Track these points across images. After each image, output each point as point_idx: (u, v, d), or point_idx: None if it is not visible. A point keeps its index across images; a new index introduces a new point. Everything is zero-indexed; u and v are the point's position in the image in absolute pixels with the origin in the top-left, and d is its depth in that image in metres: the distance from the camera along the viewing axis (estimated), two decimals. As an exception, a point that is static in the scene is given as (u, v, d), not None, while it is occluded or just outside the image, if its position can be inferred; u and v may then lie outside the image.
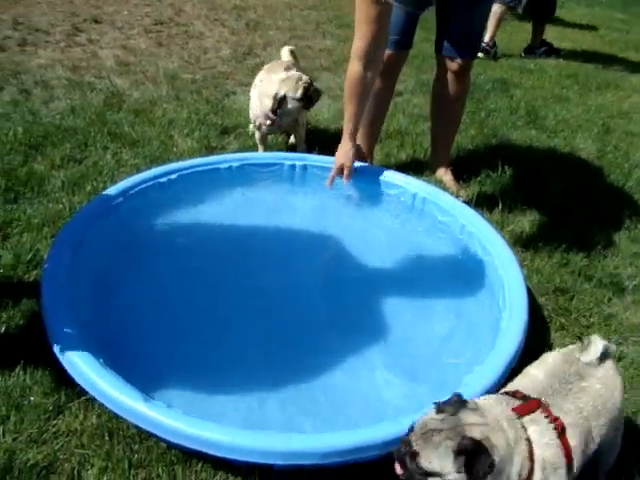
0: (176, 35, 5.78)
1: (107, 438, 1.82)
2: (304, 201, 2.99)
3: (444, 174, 3.33)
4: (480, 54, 6.51)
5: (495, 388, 1.88)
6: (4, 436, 1.81)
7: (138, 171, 3.01)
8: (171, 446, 1.79)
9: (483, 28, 3.11)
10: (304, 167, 3.00)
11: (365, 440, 1.68)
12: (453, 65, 3.11)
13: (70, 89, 4.20)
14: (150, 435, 1.81)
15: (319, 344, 2.19)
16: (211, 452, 1.66)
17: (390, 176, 2.99)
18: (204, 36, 5.84)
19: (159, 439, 1.79)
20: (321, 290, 2.49)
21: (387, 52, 2.95)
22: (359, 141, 3.24)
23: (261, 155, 3.07)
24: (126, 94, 4.20)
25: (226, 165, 2.88)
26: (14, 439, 1.81)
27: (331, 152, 3.50)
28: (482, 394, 1.82)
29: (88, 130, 3.57)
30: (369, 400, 2.01)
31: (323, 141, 3.68)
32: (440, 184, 3.22)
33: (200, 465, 1.77)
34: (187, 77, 4.67)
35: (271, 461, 1.66)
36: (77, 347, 1.84)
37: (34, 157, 3.25)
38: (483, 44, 6.59)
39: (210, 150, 3.46)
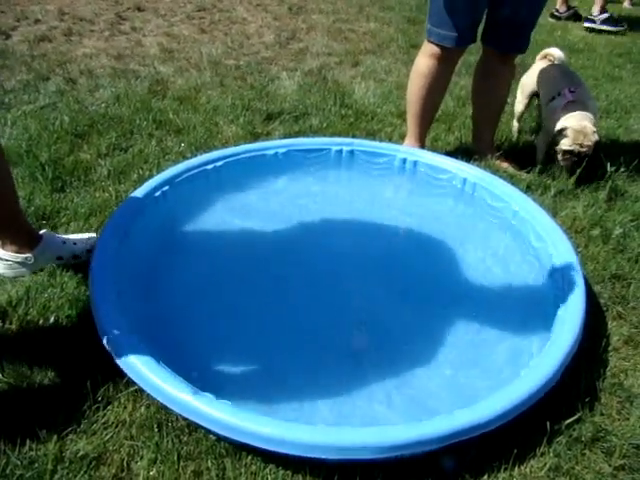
0: (219, 21, 5.75)
1: (156, 430, 1.80)
2: (351, 186, 2.93)
3: (498, 159, 3.24)
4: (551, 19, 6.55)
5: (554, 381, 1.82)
6: (55, 427, 1.80)
7: (184, 158, 3.00)
8: (220, 439, 1.77)
9: (536, 19, 3.02)
10: (351, 152, 2.95)
11: (418, 435, 1.63)
12: (500, 55, 3.07)
13: (115, 77, 4.21)
14: (199, 427, 1.79)
15: (368, 334, 2.16)
16: (259, 445, 1.64)
17: (440, 161, 2.93)
18: (247, 21, 5.80)
19: (208, 431, 1.77)
20: (369, 278, 2.42)
21: (454, 48, 2.94)
22: (412, 126, 3.18)
23: (307, 141, 3.02)
24: (170, 81, 4.19)
25: (272, 151, 2.84)
26: (64, 430, 1.79)
27: (376, 136, 3.46)
28: (540, 387, 1.77)
29: (133, 118, 3.56)
30: (420, 392, 1.95)
31: (368, 125, 3.63)
32: (495, 169, 3.12)
33: (250, 458, 1.73)
34: (231, 63, 4.64)
35: (322, 456, 1.62)
36: (125, 338, 1.83)
37: (80, 146, 3.25)
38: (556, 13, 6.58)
39: (255, 136, 3.41)
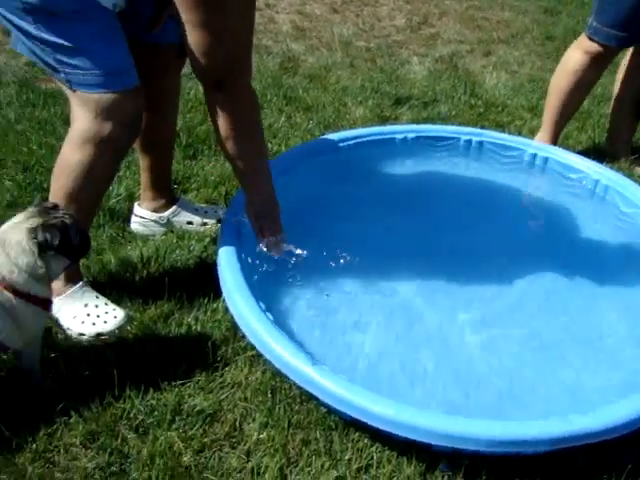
0: (351, 2, 5.76)
1: (269, 395, 1.86)
2: (478, 178, 2.87)
3: (633, 163, 3.11)
4: None
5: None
6: (175, 380, 1.90)
7: (312, 136, 3.05)
8: (331, 411, 1.80)
9: None
10: (480, 143, 2.89)
11: (528, 434, 1.60)
12: None
13: (248, 52, 4.31)
14: (311, 398, 1.83)
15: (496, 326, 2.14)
16: (369, 423, 1.66)
17: (572, 159, 2.84)
18: (379, 4, 5.78)
19: (320, 403, 1.81)
20: (490, 275, 2.38)
21: (617, 48, 2.86)
22: (549, 121, 3.10)
23: (437, 128, 2.99)
24: (301, 59, 4.26)
25: (401, 136, 2.83)
26: (183, 384, 1.89)
27: (505, 129, 3.39)
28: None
29: (264, 93, 3.64)
30: (536, 392, 1.92)
31: (497, 117, 3.56)
32: (629, 173, 2.99)
33: (357, 434, 1.77)
34: (361, 44, 4.66)
35: (431, 441, 1.63)
36: (249, 302, 1.88)
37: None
38: None
39: (383, 120, 3.43)
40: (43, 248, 1.67)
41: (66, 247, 1.71)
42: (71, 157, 1.96)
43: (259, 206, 2.10)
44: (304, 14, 5.28)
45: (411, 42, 4.80)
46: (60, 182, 2.00)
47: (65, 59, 1.82)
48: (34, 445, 1.71)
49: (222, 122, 1.92)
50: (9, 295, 1.68)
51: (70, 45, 1.80)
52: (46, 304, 1.80)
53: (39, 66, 2.00)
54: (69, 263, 1.80)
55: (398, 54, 4.51)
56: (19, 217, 1.74)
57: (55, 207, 1.79)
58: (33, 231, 1.66)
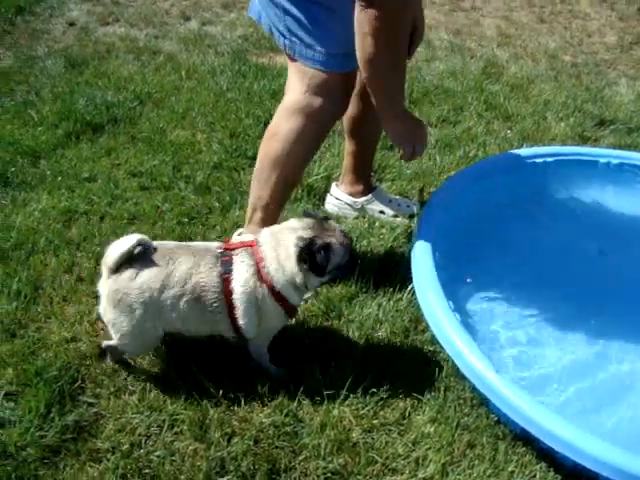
0: (559, 13, 5.59)
1: (442, 392, 1.90)
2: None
3: None
4: None
5: None
6: (353, 360, 1.98)
7: (509, 146, 3.04)
8: (501, 421, 1.83)
9: None
10: (689, 181, 2.75)
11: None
12: None
13: (451, 52, 4.33)
14: (483, 403, 1.87)
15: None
16: (544, 440, 1.66)
17: None
18: (589, 18, 5.57)
19: (491, 410, 1.84)
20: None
21: None
22: None
23: (645, 157, 2.86)
24: (505, 66, 4.20)
25: (605, 160, 2.73)
26: (361, 365, 1.97)
27: None
28: None
29: (465, 95, 3.66)
30: None
31: None
32: None
33: (524, 449, 1.78)
34: (567, 59, 4.52)
35: (602, 472, 1.61)
36: (440, 301, 1.93)
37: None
38: None
39: (583, 140, 3.34)
40: (299, 261, 1.76)
41: (317, 266, 1.76)
42: (282, 125, 2.11)
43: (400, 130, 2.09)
44: (510, 20, 5.20)
45: (620, 62, 4.59)
46: (268, 147, 2.16)
47: (296, 30, 1.96)
48: (219, 391, 1.87)
49: (369, 39, 1.83)
50: (265, 289, 1.79)
51: (306, 21, 1.93)
52: (292, 311, 1.90)
53: (267, 29, 2.12)
54: (324, 281, 1.87)
55: (605, 73, 4.33)
56: (297, 223, 1.84)
57: (327, 219, 1.88)
58: (300, 240, 1.76)
